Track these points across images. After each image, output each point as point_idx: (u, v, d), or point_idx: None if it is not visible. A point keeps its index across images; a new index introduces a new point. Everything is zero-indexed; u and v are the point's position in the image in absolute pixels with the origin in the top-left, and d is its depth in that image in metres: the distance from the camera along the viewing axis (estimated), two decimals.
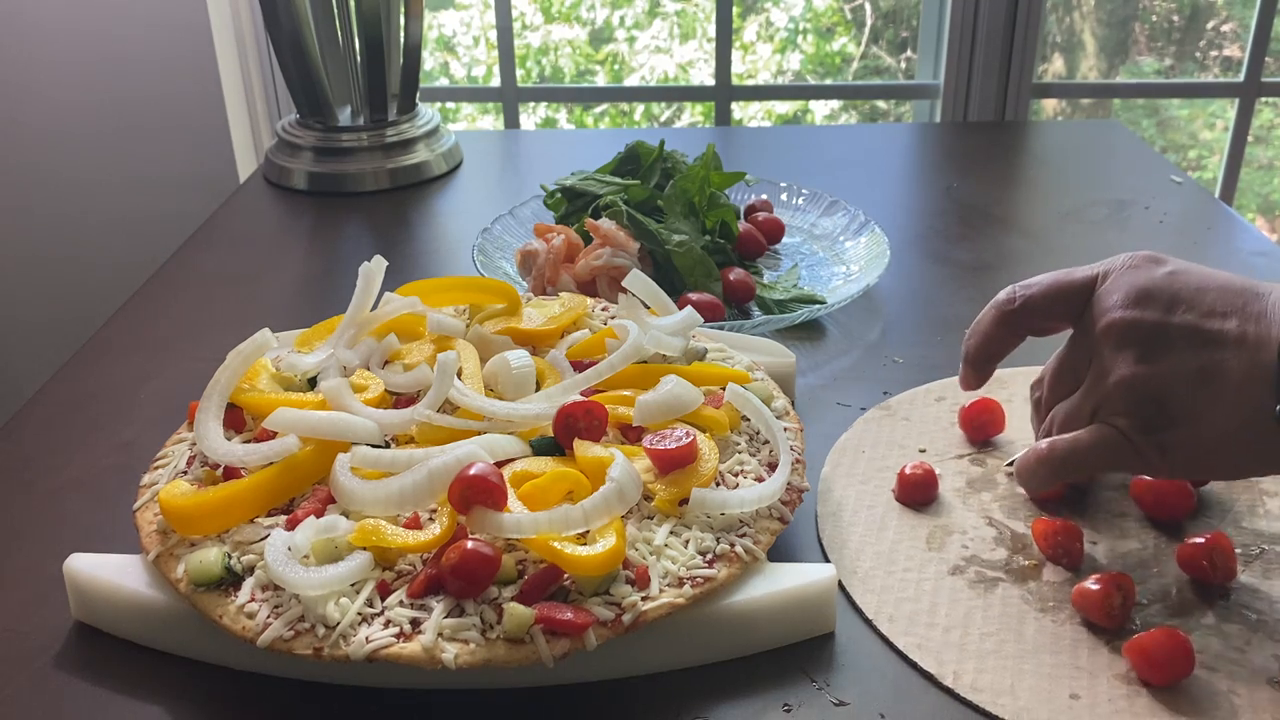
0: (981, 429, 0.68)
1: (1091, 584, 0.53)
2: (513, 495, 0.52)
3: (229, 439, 0.58)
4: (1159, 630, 0.50)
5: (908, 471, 0.63)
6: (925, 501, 0.63)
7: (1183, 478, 0.60)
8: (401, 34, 1.16)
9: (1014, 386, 0.73)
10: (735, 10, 1.73)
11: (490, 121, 2.31)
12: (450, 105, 2.29)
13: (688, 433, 0.56)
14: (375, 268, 0.67)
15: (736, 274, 0.86)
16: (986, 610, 0.55)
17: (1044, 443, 0.57)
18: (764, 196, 1.03)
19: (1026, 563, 0.58)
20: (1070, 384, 0.58)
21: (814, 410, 0.72)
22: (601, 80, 2.71)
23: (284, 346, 0.67)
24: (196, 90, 1.46)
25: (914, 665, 0.52)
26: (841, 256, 0.94)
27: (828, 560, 0.58)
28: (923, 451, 0.67)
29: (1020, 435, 0.68)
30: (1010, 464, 0.65)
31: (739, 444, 0.60)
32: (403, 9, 1.15)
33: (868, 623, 0.54)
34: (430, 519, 0.52)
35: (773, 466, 0.58)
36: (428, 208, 1.11)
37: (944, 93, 1.68)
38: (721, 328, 0.78)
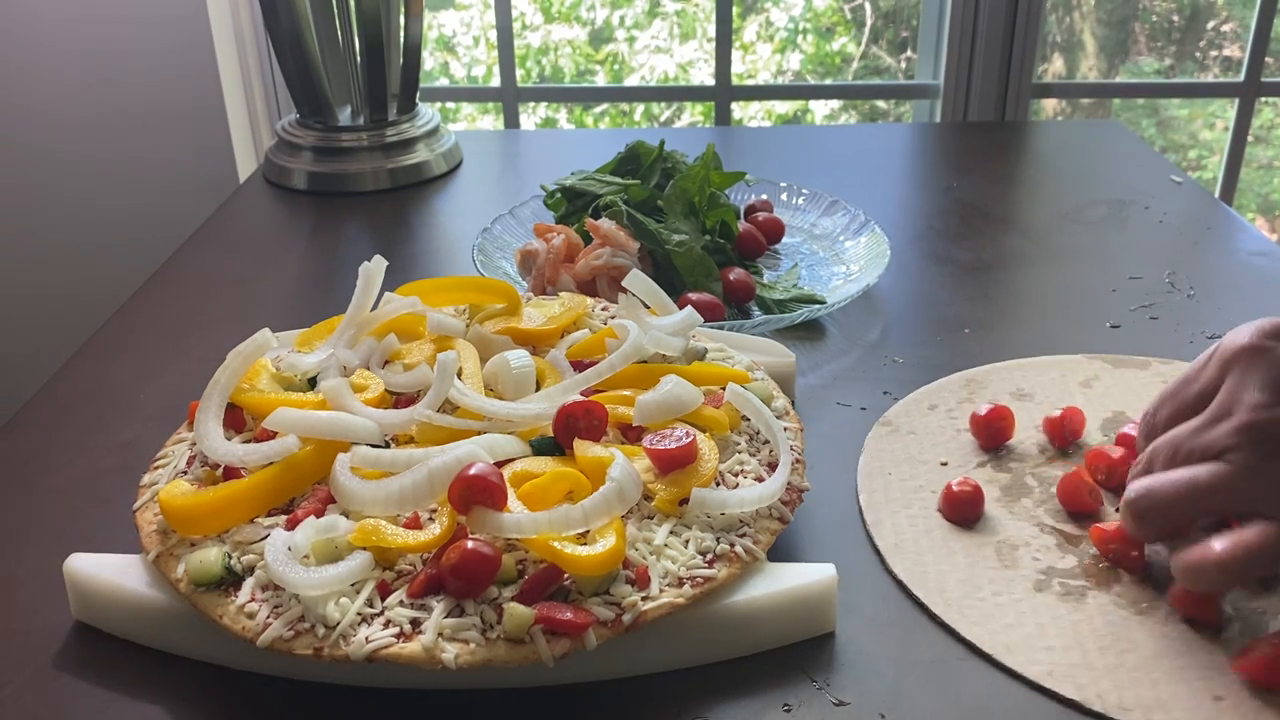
0: (995, 436, 0.67)
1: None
2: (513, 495, 0.52)
3: (229, 439, 0.58)
4: (1270, 649, 0.49)
5: (955, 489, 0.61)
6: (975, 518, 0.61)
7: None
8: (401, 34, 1.16)
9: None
10: (735, 10, 1.73)
11: (490, 121, 2.31)
12: (450, 105, 2.29)
13: (688, 433, 0.56)
14: (375, 268, 0.67)
15: (736, 274, 0.86)
16: (1090, 623, 0.54)
17: (1220, 545, 0.51)
18: (764, 196, 1.03)
19: (1101, 565, 0.57)
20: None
21: (814, 410, 0.72)
22: (601, 80, 2.71)
23: (284, 346, 0.67)
24: (196, 90, 1.46)
25: (1054, 695, 0.50)
26: (841, 256, 0.94)
27: (930, 611, 0.55)
28: (944, 464, 0.66)
29: (1029, 435, 0.68)
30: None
31: (739, 444, 0.60)
32: (403, 9, 1.15)
33: (986, 658, 0.52)
34: (430, 519, 0.52)
35: (773, 466, 0.58)
36: (428, 208, 1.11)
37: (944, 93, 1.68)
38: (721, 328, 0.78)
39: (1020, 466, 0.66)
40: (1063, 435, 0.67)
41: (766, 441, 0.61)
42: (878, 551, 0.60)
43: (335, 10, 1.13)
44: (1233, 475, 0.52)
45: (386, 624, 0.48)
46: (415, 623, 0.48)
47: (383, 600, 0.49)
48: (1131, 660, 0.52)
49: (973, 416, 0.68)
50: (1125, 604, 0.55)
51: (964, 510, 0.61)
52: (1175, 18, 2.27)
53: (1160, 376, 0.75)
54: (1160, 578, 0.56)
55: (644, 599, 0.49)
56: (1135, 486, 0.55)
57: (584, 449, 0.55)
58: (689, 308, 0.68)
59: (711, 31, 2.01)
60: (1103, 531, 0.58)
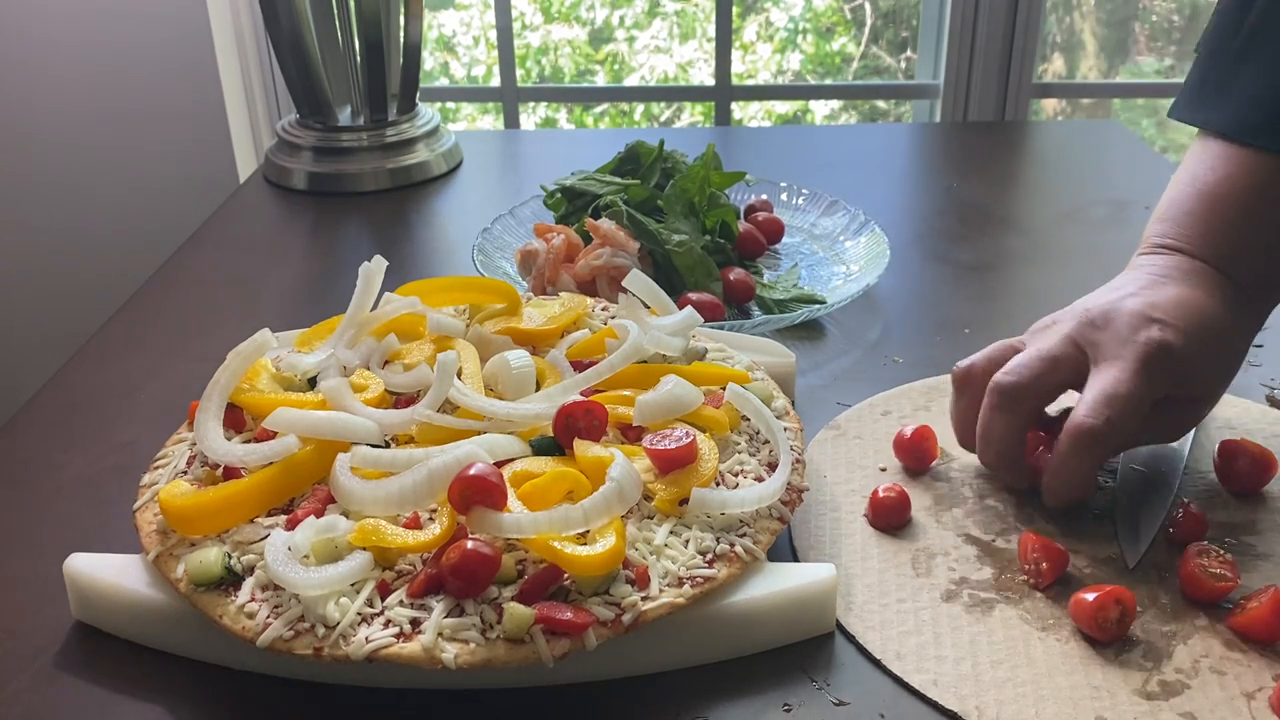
0: (921, 458, 0.65)
1: (1088, 595, 0.53)
2: (513, 495, 0.52)
3: (229, 439, 0.58)
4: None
5: (881, 495, 0.61)
6: (900, 525, 0.61)
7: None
8: (401, 34, 1.16)
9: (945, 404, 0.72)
10: (735, 10, 1.73)
11: (490, 121, 2.31)
12: (450, 105, 2.29)
13: (688, 433, 0.56)
14: (375, 268, 0.67)
15: (736, 274, 0.86)
16: (990, 635, 0.53)
17: (1081, 413, 0.56)
18: (764, 196, 1.03)
19: (1018, 579, 0.57)
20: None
21: (814, 410, 0.72)
22: (601, 80, 2.71)
23: (284, 346, 0.67)
24: (196, 90, 1.46)
25: (934, 704, 0.50)
26: (841, 256, 0.94)
27: None
28: (883, 470, 0.66)
29: (960, 453, 0.66)
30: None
31: (739, 444, 0.60)
32: (403, 9, 1.15)
33: (875, 663, 0.52)
34: (430, 519, 0.52)
35: (773, 466, 0.58)
36: (428, 208, 1.11)
37: (944, 93, 1.68)
38: (721, 328, 0.78)
39: (961, 476, 0.65)
40: None
41: (766, 441, 0.61)
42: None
43: (335, 10, 1.13)
44: (1064, 339, 0.60)
45: (386, 624, 0.48)
46: (415, 623, 0.48)
47: (383, 600, 0.49)
48: (1023, 675, 0.51)
49: (897, 438, 0.66)
50: (1031, 620, 0.54)
51: (888, 516, 0.61)
52: (1175, 18, 2.27)
53: None
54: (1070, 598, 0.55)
55: (644, 599, 0.49)
56: (997, 377, 0.60)
57: (584, 449, 0.55)
58: (689, 308, 0.68)
59: (711, 31, 2.00)
60: (1033, 538, 0.57)
